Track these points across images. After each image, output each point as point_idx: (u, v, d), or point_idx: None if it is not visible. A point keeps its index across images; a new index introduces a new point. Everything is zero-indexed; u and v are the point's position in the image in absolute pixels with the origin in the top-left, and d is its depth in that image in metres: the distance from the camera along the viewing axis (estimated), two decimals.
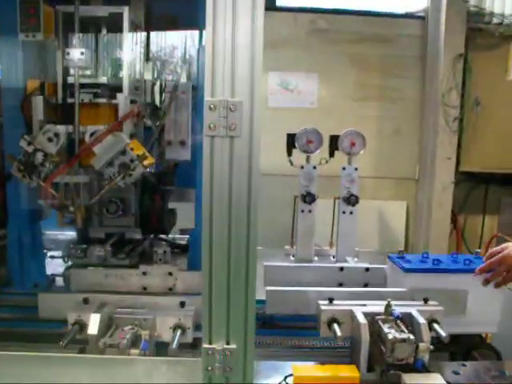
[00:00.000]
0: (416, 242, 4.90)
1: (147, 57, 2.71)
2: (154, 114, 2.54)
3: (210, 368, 1.31)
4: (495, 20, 4.57)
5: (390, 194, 4.89)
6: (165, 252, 2.35)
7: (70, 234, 2.67)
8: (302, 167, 2.40)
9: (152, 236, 2.67)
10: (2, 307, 2.33)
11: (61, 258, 2.46)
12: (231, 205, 1.25)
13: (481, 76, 4.60)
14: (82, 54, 2.14)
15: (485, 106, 4.65)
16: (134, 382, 1.42)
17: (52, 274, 2.57)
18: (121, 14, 2.22)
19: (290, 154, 2.51)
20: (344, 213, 2.49)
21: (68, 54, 2.15)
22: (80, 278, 2.23)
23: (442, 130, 4.60)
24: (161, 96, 2.65)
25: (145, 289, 2.24)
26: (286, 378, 1.57)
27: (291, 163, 2.44)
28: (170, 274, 2.24)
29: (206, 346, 1.29)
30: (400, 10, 4.88)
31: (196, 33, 3.23)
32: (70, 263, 2.42)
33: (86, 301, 1.91)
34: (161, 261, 2.32)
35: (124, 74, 2.29)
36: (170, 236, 2.80)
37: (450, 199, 4.74)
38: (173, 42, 4.22)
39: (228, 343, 1.29)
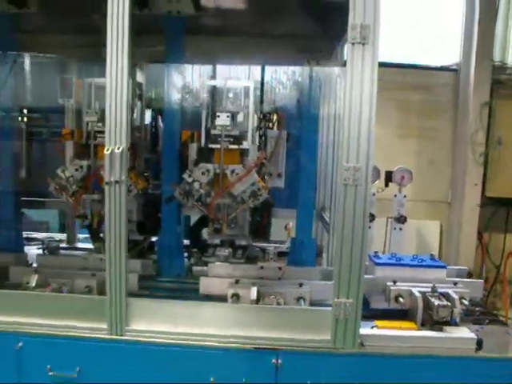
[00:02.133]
0: (448, 255, 5.54)
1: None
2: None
3: (337, 314, 2.32)
4: None
5: (426, 215, 5.53)
6: (274, 253, 3.32)
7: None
8: None
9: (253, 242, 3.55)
10: (156, 290, 3.06)
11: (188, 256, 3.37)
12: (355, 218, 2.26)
13: (503, 120, 5.31)
14: (228, 117, 2.92)
15: (506, 143, 5.35)
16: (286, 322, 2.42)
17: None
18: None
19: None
20: (395, 229, 3.45)
21: (219, 116, 2.92)
22: (216, 269, 3.05)
23: (470, 163, 5.32)
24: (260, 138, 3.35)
25: (261, 278, 3.02)
26: (372, 327, 2.57)
27: None
28: (280, 268, 3.06)
29: (335, 300, 2.31)
30: (437, 63, 5.58)
31: None
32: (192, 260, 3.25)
33: (237, 281, 2.93)
34: (272, 259, 3.28)
35: (249, 126, 3.02)
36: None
37: (476, 219, 5.42)
38: None
39: (348, 298, 2.30)
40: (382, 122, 5.57)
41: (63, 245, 3.89)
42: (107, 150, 2.21)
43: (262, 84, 3.56)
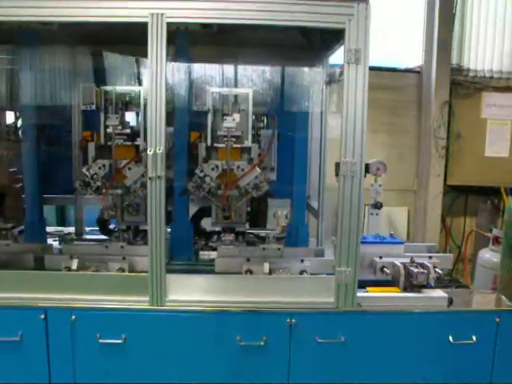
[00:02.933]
0: (415, 237, 6.14)
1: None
2: None
3: (339, 280, 2.88)
4: (471, 74, 6.15)
5: (395, 202, 6.15)
6: (274, 237, 3.83)
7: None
8: None
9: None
10: (172, 272, 3.27)
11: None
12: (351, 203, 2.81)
13: (461, 116, 5.96)
14: (234, 120, 3.34)
15: (464, 137, 6.01)
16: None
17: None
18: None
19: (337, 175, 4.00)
20: (372, 214, 3.99)
21: (225, 119, 3.33)
22: (225, 251, 3.47)
23: (433, 155, 5.97)
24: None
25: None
26: (365, 292, 3.14)
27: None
28: (279, 249, 3.46)
29: (337, 268, 2.87)
30: (402, 66, 6.24)
31: None
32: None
33: (248, 260, 3.44)
34: (272, 242, 3.78)
35: (249, 127, 3.44)
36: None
37: (439, 205, 6.08)
38: None
39: (347, 267, 2.87)
40: None
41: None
42: (150, 150, 2.68)
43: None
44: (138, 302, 2.89)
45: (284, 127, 3.80)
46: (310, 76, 3.93)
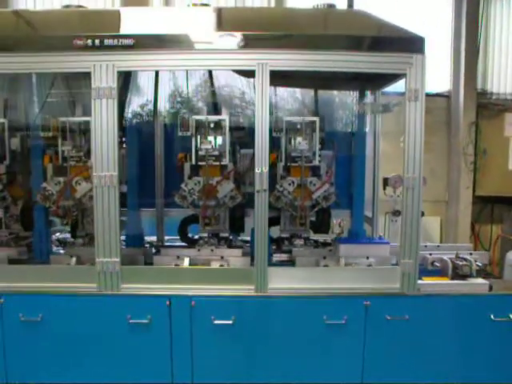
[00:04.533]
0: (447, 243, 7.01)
1: None
2: None
3: (403, 270, 3.64)
4: (494, 97, 6.93)
5: (428, 212, 6.50)
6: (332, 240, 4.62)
7: None
8: None
9: None
10: None
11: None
12: (413, 209, 3.59)
13: (487, 135, 6.71)
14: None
15: (490, 153, 6.76)
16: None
17: None
18: None
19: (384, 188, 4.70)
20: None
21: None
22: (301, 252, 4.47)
23: (463, 170, 6.72)
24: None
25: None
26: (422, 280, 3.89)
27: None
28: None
29: (402, 260, 3.62)
30: (432, 91, 7.00)
31: None
32: None
33: (324, 257, 4.22)
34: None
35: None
36: None
37: (469, 214, 6.81)
38: None
39: (410, 259, 3.62)
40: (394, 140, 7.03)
41: None
42: (258, 169, 3.50)
43: None
44: (245, 289, 3.65)
45: (342, 148, 4.56)
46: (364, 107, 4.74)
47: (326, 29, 3.73)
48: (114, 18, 3.76)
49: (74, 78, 4.49)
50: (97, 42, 3.48)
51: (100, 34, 3.48)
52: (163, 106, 5.84)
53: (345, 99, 5.89)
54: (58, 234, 4.82)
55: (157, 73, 4.77)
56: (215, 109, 4.84)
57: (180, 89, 6.33)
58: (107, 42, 3.47)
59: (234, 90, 6.15)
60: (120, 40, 3.47)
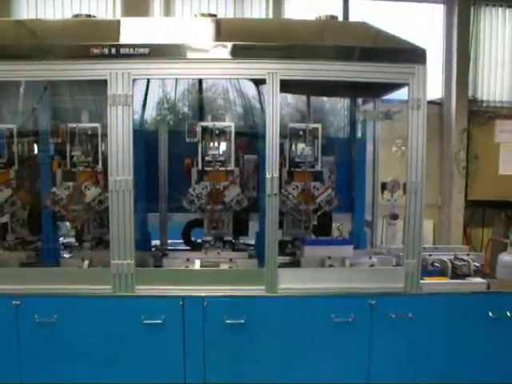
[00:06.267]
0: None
1: None
2: None
3: (407, 270, 3.81)
4: (485, 105, 7.19)
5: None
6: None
7: None
8: None
9: None
10: None
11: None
12: (415, 211, 3.77)
13: (478, 141, 6.96)
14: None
15: (481, 159, 7.00)
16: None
17: None
18: None
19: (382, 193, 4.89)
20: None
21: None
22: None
23: (455, 175, 6.97)
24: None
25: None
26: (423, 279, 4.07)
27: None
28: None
29: (405, 260, 3.80)
30: None
31: None
32: None
33: (329, 258, 4.39)
34: None
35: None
36: None
37: (461, 218, 7.07)
38: None
39: (413, 259, 3.80)
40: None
41: None
42: (269, 175, 3.65)
43: None
44: (256, 290, 3.79)
45: (342, 153, 4.70)
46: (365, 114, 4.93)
47: (335, 40, 3.89)
48: (129, 27, 3.88)
49: (81, 86, 4.60)
50: (113, 50, 3.60)
51: (117, 43, 3.60)
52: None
53: (338, 105, 6.11)
54: (61, 239, 4.90)
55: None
56: (201, 114, 5.07)
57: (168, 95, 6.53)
58: (123, 50, 3.60)
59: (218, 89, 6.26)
60: (136, 49, 3.60)
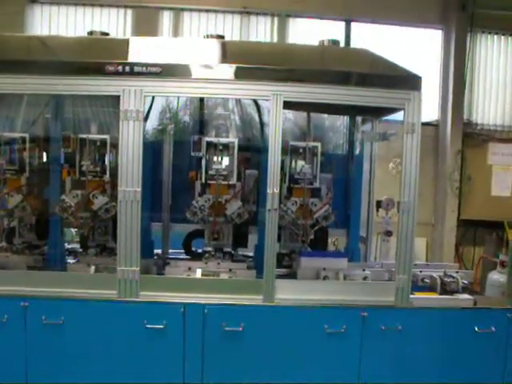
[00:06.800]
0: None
1: None
2: None
3: (398, 285, 4.01)
4: (479, 128, 7.44)
5: (415, 234, 7.44)
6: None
7: None
8: None
9: None
10: None
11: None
12: (407, 229, 3.98)
13: (471, 162, 7.19)
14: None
15: (474, 180, 7.23)
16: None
17: None
18: None
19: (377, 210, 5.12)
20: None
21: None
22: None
23: (449, 194, 7.17)
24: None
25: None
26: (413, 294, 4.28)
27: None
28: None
29: (397, 276, 4.01)
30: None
31: None
32: None
33: (324, 269, 4.59)
34: None
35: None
36: None
37: (454, 236, 7.27)
38: None
39: (404, 275, 4.00)
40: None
41: None
42: (270, 190, 3.86)
43: None
44: (253, 299, 3.98)
45: (341, 171, 4.93)
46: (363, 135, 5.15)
47: (335, 65, 4.12)
48: (141, 46, 4.11)
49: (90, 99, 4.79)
50: (127, 68, 3.82)
51: (130, 61, 3.82)
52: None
53: (338, 122, 6.33)
54: (66, 244, 5.02)
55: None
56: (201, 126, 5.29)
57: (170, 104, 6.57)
58: (136, 69, 3.82)
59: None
60: (148, 68, 3.82)
